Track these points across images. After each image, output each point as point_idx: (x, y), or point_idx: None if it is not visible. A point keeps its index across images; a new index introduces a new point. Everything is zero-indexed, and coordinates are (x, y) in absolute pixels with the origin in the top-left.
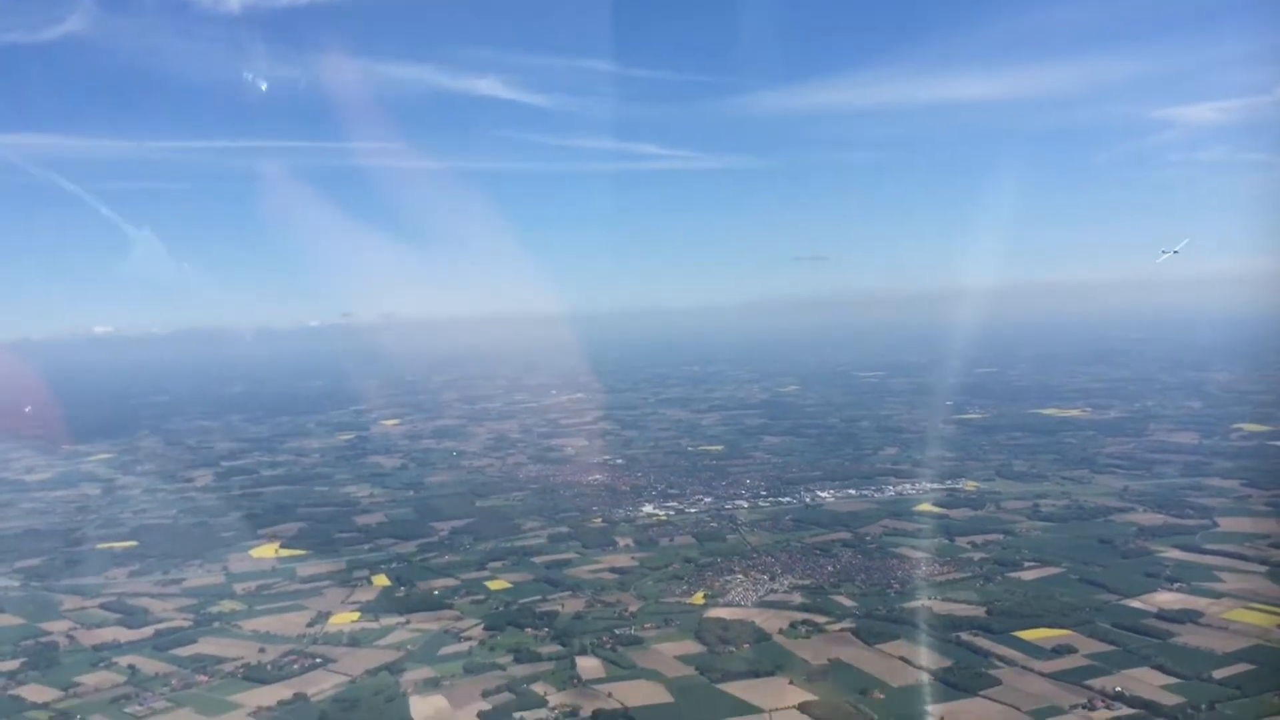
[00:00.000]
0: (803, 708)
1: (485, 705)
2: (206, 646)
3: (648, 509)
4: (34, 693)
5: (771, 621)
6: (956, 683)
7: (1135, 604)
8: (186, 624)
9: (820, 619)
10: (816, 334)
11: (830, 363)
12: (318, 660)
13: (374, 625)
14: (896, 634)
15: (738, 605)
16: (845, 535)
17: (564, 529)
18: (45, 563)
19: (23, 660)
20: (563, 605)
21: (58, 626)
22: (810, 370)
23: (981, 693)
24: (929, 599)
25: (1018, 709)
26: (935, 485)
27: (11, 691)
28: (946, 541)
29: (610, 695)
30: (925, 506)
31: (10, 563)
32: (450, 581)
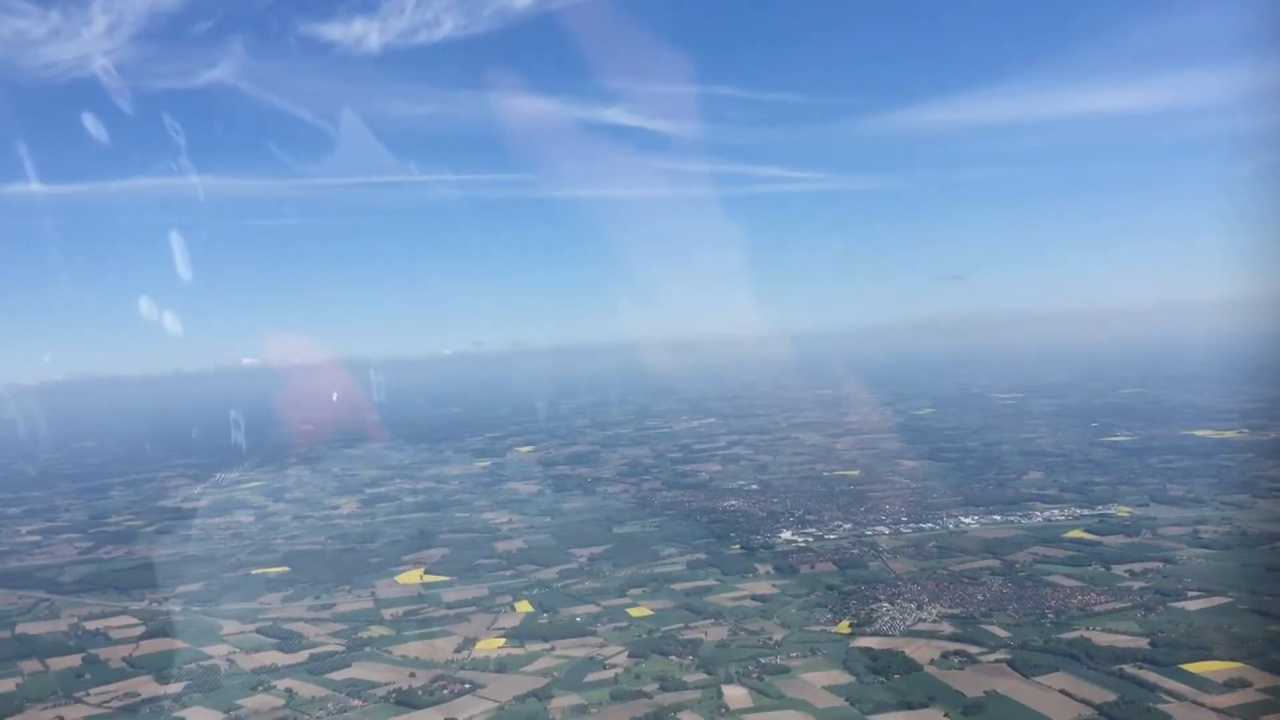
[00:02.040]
0: None
1: None
2: (359, 671)
3: (786, 535)
4: (198, 715)
5: (922, 652)
6: (1123, 717)
7: None
8: (339, 648)
9: (973, 649)
10: (951, 355)
11: (966, 385)
12: (467, 686)
13: (520, 651)
14: (1055, 666)
15: (885, 634)
16: (993, 563)
17: (702, 555)
18: (204, 588)
19: (186, 683)
20: (705, 633)
21: (218, 650)
22: (945, 393)
23: None
24: (1087, 630)
25: None
26: (1085, 511)
27: (177, 714)
28: (1102, 570)
29: None
30: (1076, 533)
31: (171, 588)
32: (592, 608)
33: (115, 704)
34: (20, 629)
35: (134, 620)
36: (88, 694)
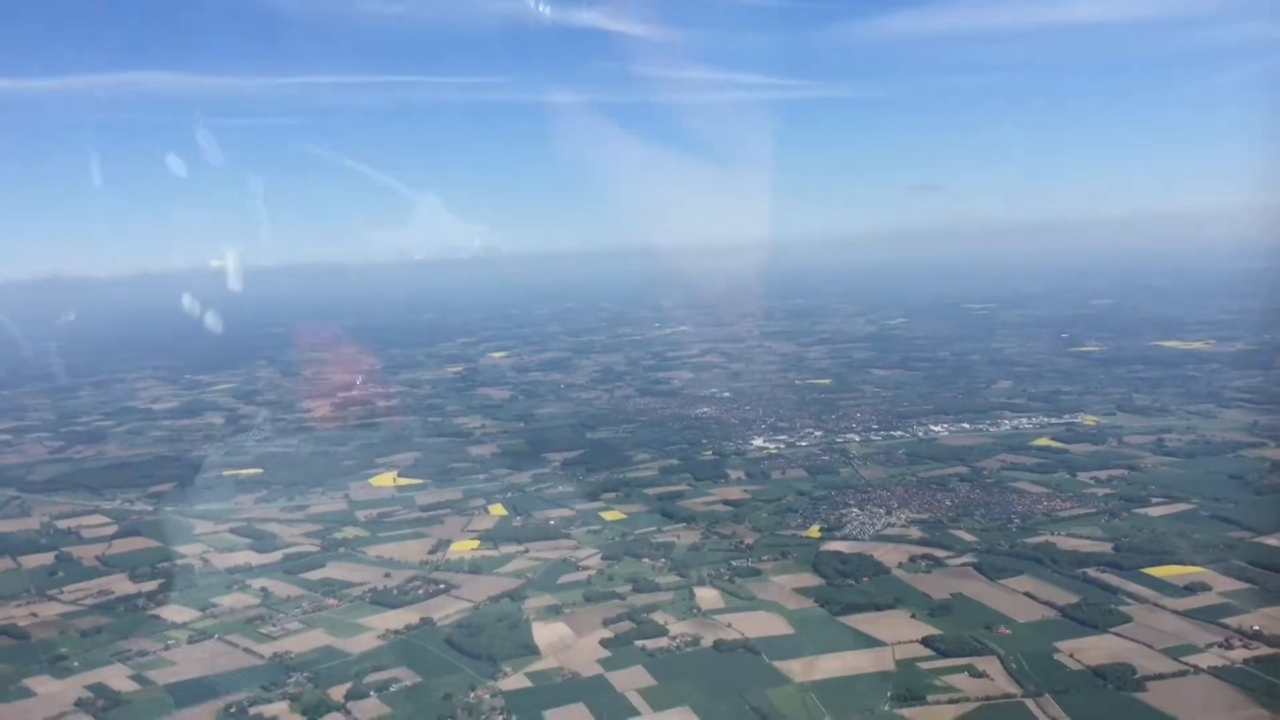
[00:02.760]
0: (926, 641)
1: (607, 633)
2: (334, 571)
3: (757, 442)
4: (173, 613)
5: (890, 555)
6: (1085, 619)
7: (1271, 541)
8: (314, 549)
9: (940, 553)
10: (927, 265)
11: (940, 295)
12: (441, 586)
13: (494, 553)
14: (1020, 569)
15: (854, 539)
16: (961, 470)
17: (674, 461)
18: (176, 488)
19: (160, 581)
20: (678, 537)
21: (192, 550)
22: (919, 303)
23: (1112, 629)
24: (1052, 535)
25: (1151, 647)
26: (1053, 420)
27: (152, 611)
28: (1068, 477)
29: (730, 626)
30: (1043, 441)
31: (143, 488)
32: (565, 512)
33: (89, 601)
34: None
35: (106, 519)
36: (61, 591)
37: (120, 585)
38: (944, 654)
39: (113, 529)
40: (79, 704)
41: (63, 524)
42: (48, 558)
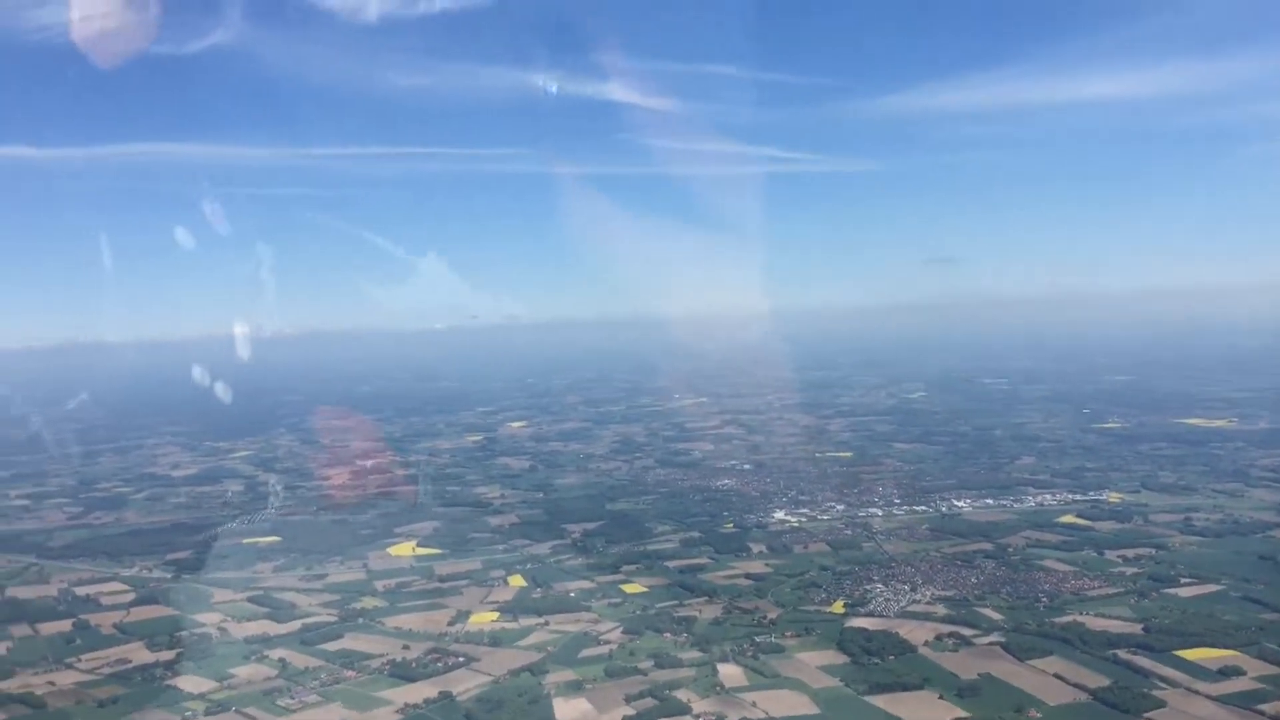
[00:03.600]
0: None
1: (629, 710)
2: (352, 642)
3: (779, 515)
4: (191, 683)
5: (916, 633)
6: (1118, 703)
7: None
8: (332, 619)
9: (967, 632)
10: (943, 338)
11: (957, 368)
12: (460, 659)
13: (513, 625)
14: (1049, 649)
15: (880, 615)
16: (986, 546)
17: (695, 534)
18: (194, 556)
19: (178, 651)
20: (700, 611)
21: (210, 618)
22: (937, 376)
23: (1145, 714)
24: (1081, 614)
25: None
26: (1077, 496)
27: (169, 681)
28: (1095, 555)
29: (754, 704)
30: (1069, 518)
31: (162, 555)
32: (585, 584)
33: (106, 670)
34: (10, 593)
35: (124, 586)
36: (79, 660)
37: (138, 654)
38: None
39: (131, 596)
40: None
41: (81, 591)
42: (65, 625)
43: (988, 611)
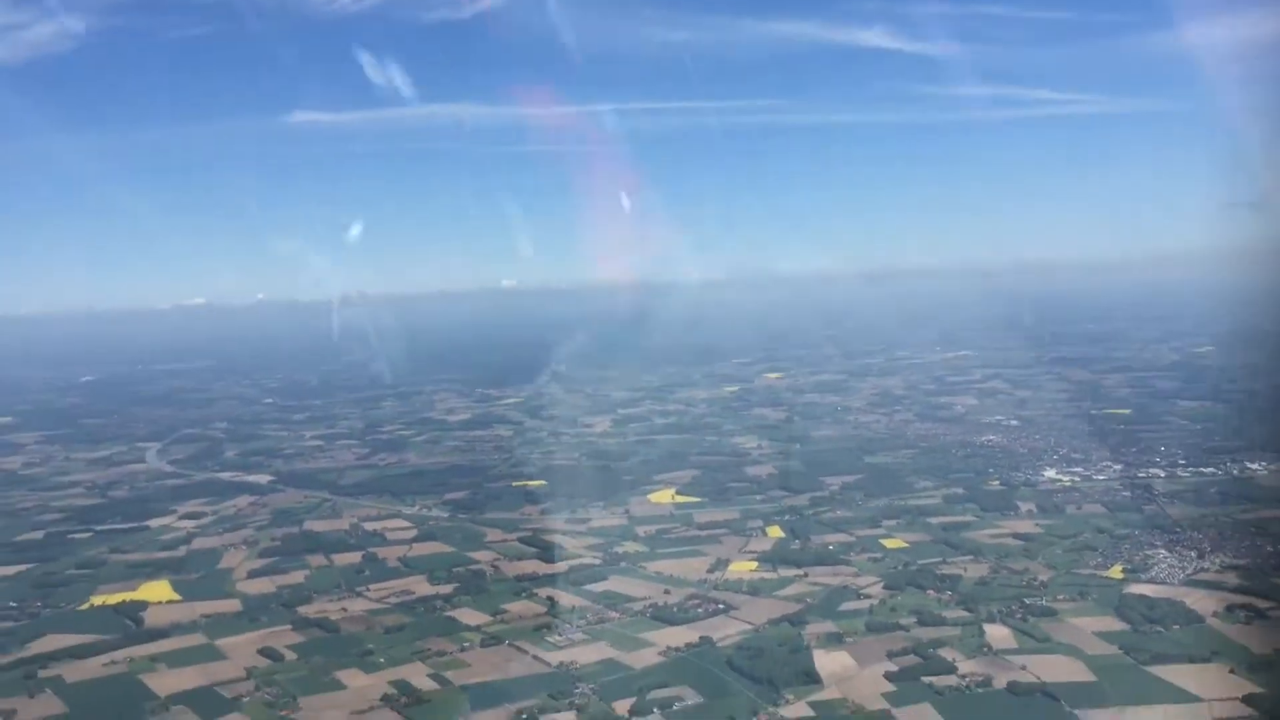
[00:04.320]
0: (1248, 699)
1: (891, 666)
2: (616, 584)
3: (1049, 474)
4: (467, 616)
5: (1204, 603)
6: None
7: None
8: (596, 561)
9: (1262, 604)
10: (1241, 289)
11: (1250, 322)
12: (720, 606)
13: (772, 576)
14: None
15: (1163, 583)
16: None
17: (959, 490)
18: (468, 496)
19: (455, 585)
20: (965, 569)
21: (483, 556)
22: (1227, 330)
23: None
24: None
25: None
26: None
27: (448, 613)
28: None
29: (1024, 668)
30: None
31: (439, 495)
32: (844, 537)
33: (392, 600)
34: (308, 525)
35: (407, 523)
36: (368, 589)
37: (419, 586)
38: (1269, 715)
39: (413, 533)
40: (384, 699)
41: (369, 526)
42: (355, 557)
43: None
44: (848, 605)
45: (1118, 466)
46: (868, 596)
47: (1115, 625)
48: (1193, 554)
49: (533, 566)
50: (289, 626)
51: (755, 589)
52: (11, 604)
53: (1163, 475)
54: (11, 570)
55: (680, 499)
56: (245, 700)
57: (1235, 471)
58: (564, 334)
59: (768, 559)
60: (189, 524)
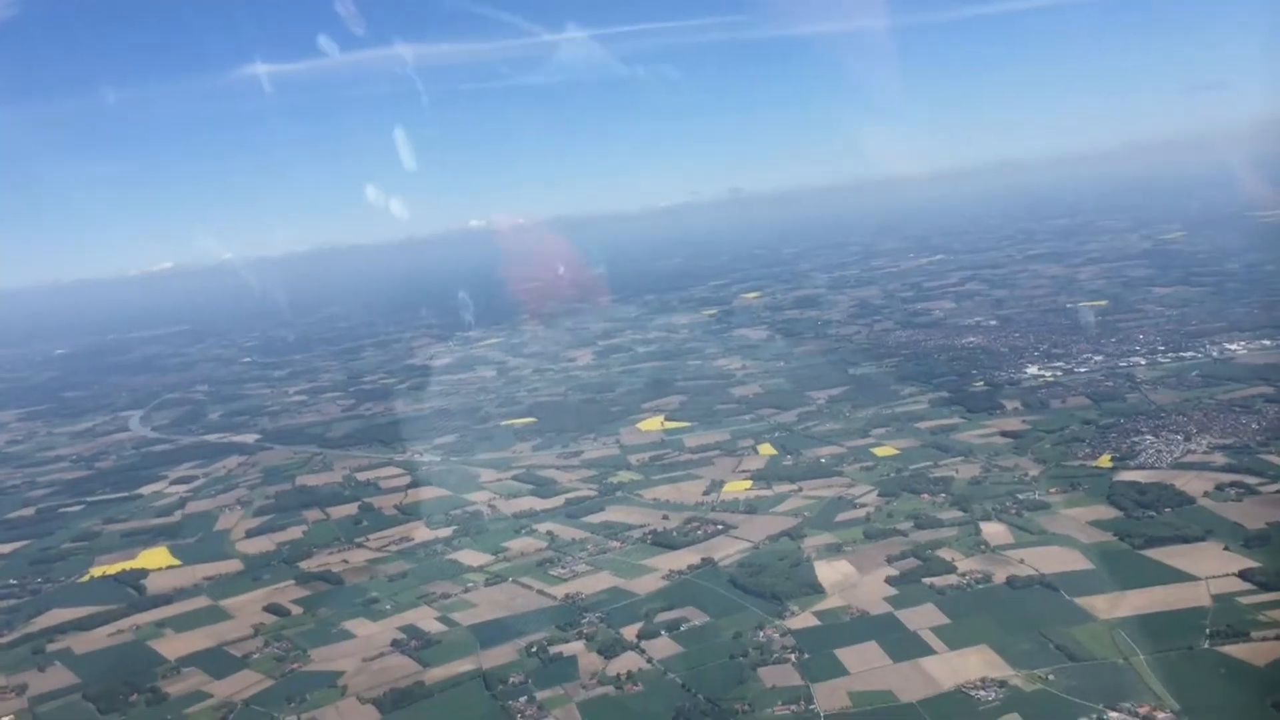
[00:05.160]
0: (1244, 575)
1: (892, 571)
2: (613, 514)
3: (1031, 370)
4: (469, 557)
5: (1193, 484)
6: None
7: None
8: (592, 494)
9: (1251, 480)
10: (1204, 174)
11: (1219, 204)
12: (719, 527)
13: (767, 493)
14: None
15: (1151, 468)
16: (1266, 390)
17: (944, 394)
18: (459, 440)
19: (454, 528)
20: (956, 471)
21: (479, 497)
22: (1197, 215)
23: None
24: None
25: None
26: None
27: (449, 556)
28: None
29: (1022, 561)
30: None
31: (431, 440)
32: (835, 449)
33: (393, 548)
34: (300, 481)
35: (399, 470)
36: (367, 539)
37: (418, 532)
38: (1266, 588)
39: (407, 479)
40: (394, 644)
41: (362, 476)
42: (352, 508)
43: (1273, 458)
44: (844, 515)
45: (1099, 358)
46: (863, 505)
47: (1108, 513)
48: (1179, 437)
49: (529, 503)
50: (292, 582)
51: (752, 507)
52: (11, 581)
53: (1144, 363)
54: (8, 548)
55: (670, 425)
56: (255, 657)
57: (1215, 354)
58: (527, 273)
59: (761, 477)
60: (181, 489)
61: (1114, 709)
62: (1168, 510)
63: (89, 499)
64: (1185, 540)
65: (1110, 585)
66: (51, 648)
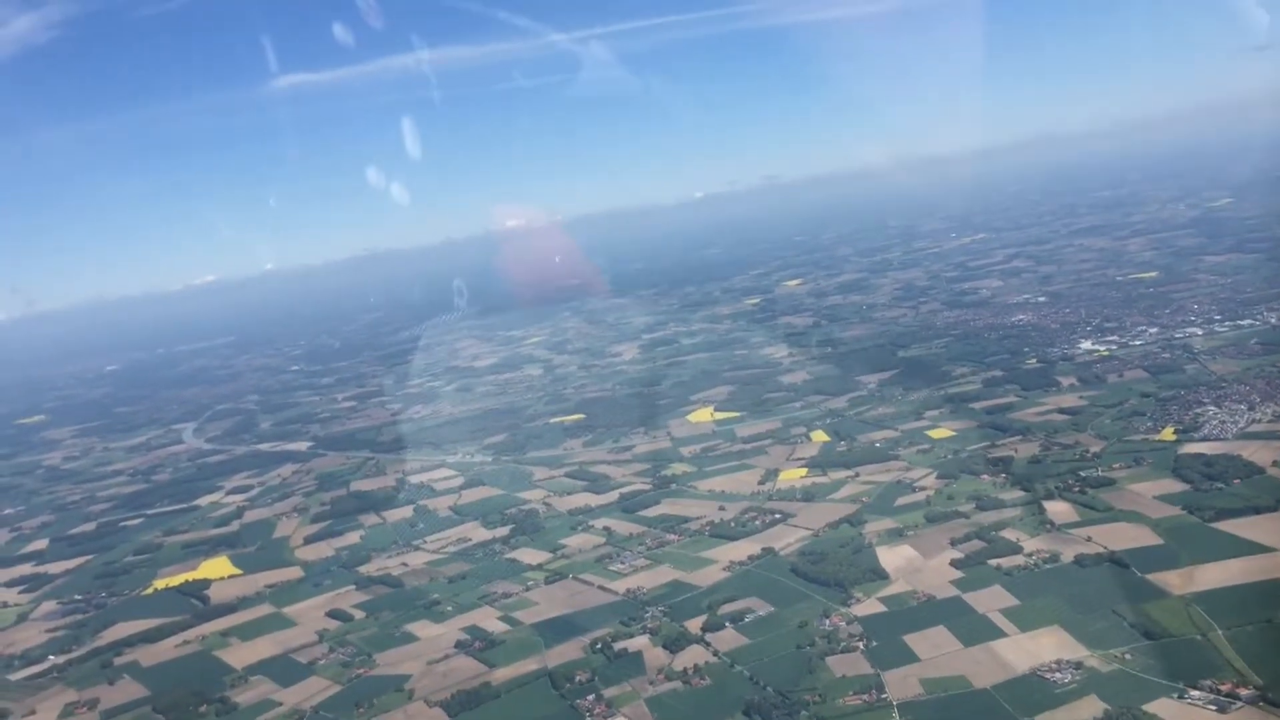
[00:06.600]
0: None
1: (956, 553)
2: (669, 508)
3: (1085, 345)
4: (527, 555)
5: (1262, 454)
6: None
7: None
8: (646, 488)
9: None
10: (1254, 138)
11: (1268, 169)
12: (777, 516)
13: (824, 480)
14: None
15: (1217, 439)
16: None
17: (997, 373)
18: (509, 439)
19: (511, 527)
20: (1015, 450)
21: (534, 495)
22: (1245, 180)
23: None
24: None
25: None
26: None
27: (507, 555)
28: None
29: (1090, 539)
30: None
31: (480, 440)
32: (890, 433)
33: (451, 549)
34: (354, 486)
35: (452, 472)
36: (424, 541)
37: (475, 533)
38: None
39: (460, 481)
40: (458, 646)
41: (415, 479)
42: (407, 511)
43: None
44: (904, 499)
45: (1153, 330)
46: (922, 488)
47: (1175, 487)
48: (1242, 407)
49: (584, 499)
50: (352, 587)
51: (809, 495)
52: (77, 597)
53: (1200, 333)
54: (72, 564)
55: (720, 415)
56: (321, 663)
57: (1274, 320)
58: (567, 269)
59: (816, 464)
60: (237, 498)
61: (1195, 687)
62: (1237, 481)
63: (148, 512)
64: (1257, 511)
65: (1183, 560)
66: (119, 661)
